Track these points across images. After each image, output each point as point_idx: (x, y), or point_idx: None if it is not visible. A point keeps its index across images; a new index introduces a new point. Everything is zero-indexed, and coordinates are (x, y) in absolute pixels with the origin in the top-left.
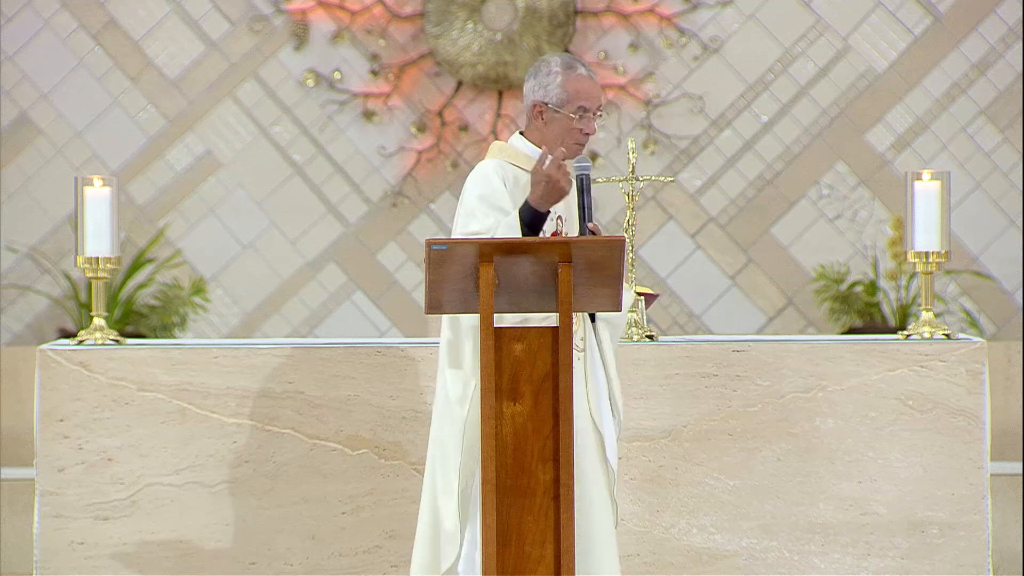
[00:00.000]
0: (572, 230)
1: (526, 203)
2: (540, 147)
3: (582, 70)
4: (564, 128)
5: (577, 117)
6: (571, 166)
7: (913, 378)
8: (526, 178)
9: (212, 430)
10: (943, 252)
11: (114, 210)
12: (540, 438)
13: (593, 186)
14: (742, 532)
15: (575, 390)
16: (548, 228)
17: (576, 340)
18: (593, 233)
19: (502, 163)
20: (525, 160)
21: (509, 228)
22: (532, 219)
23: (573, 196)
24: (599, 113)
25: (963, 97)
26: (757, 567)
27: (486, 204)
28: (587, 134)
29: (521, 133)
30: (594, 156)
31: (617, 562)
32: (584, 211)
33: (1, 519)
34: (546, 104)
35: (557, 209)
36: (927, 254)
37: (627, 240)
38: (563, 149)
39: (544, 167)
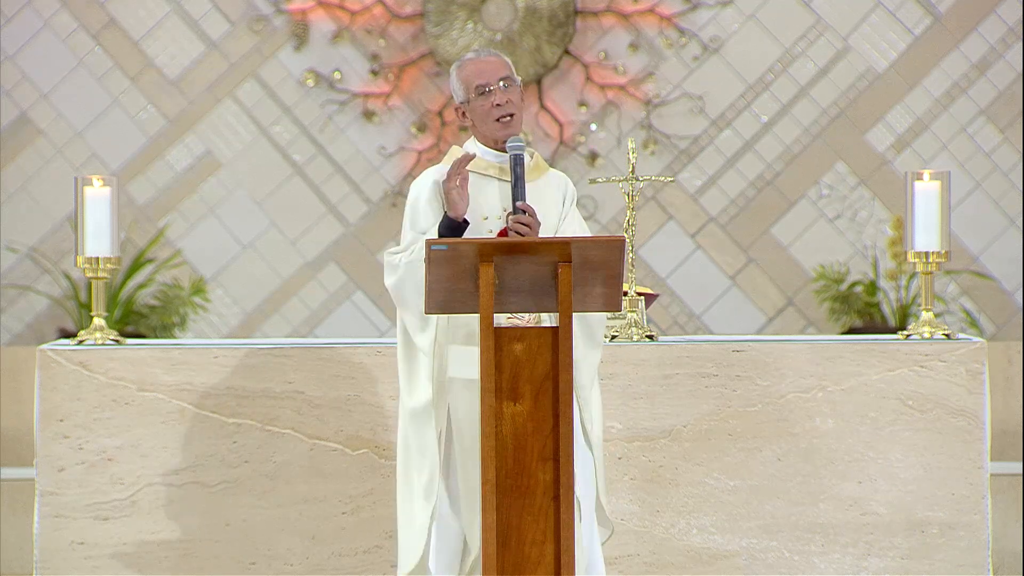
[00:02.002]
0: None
1: (444, 213)
2: (485, 145)
3: (470, 55)
4: (481, 113)
5: (481, 95)
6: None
7: (913, 378)
8: (473, 178)
9: (212, 430)
10: (943, 252)
11: (114, 210)
12: (540, 438)
13: (593, 182)
14: (742, 532)
15: None
16: (495, 226)
17: None
18: (523, 212)
19: (442, 169)
20: (472, 162)
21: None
22: (448, 226)
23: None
24: (506, 84)
25: (963, 97)
26: (757, 567)
27: (409, 222)
28: (498, 105)
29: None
30: (594, 156)
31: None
32: (515, 189)
33: (1, 519)
34: (458, 104)
35: (506, 204)
36: (927, 254)
37: (627, 240)
38: (460, 160)
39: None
